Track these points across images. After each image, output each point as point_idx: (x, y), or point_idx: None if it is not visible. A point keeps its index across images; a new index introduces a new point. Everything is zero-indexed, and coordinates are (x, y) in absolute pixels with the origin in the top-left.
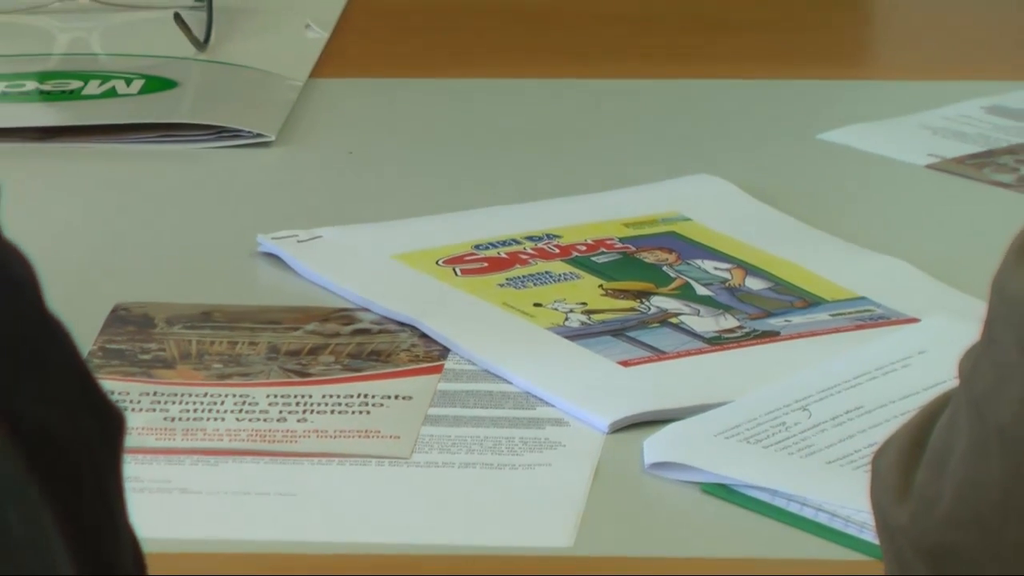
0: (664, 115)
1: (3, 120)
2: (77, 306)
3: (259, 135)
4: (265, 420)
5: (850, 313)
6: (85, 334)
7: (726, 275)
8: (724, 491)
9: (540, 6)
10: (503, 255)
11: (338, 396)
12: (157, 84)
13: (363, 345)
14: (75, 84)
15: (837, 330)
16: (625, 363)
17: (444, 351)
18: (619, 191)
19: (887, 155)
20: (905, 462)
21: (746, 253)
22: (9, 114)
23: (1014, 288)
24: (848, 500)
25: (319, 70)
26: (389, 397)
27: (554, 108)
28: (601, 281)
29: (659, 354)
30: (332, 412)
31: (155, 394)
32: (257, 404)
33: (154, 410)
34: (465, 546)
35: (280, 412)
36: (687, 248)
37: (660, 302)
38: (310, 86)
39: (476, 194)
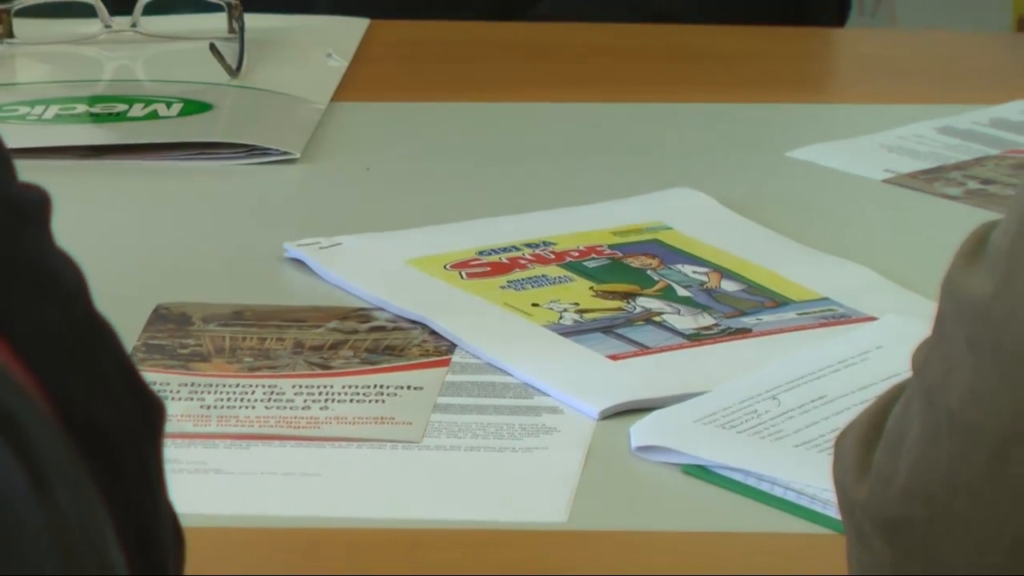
0: (649, 135)
1: (56, 139)
2: (122, 306)
3: (285, 153)
4: (291, 408)
5: (815, 312)
6: (129, 331)
7: (704, 278)
8: (703, 472)
9: (538, 38)
10: (504, 260)
11: (356, 387)
12: (194, 107)
13: (379, 341)
14: (121, 107)
15: (803, 327)
16: (613, 357)
17: (451, 346)
18: (608, 203)
19: (848, 171)
20: (864, 445)
21: (722, 258)
22: (62, 134)
23: (962, 289)
24: (813, 480)
25: (339, 95)
26: (402, 388)
27: (550, 129)
28: (592, 284)
29: (644, 349)
30: (351, 401)
31: (192, 385)
32: (284, 394)
33: (191, 399)
34: (469, 521)
35: (304, 401)
36: (669, 254)
37: (644, 302)
38: (331, 109)
39: (480, 205)
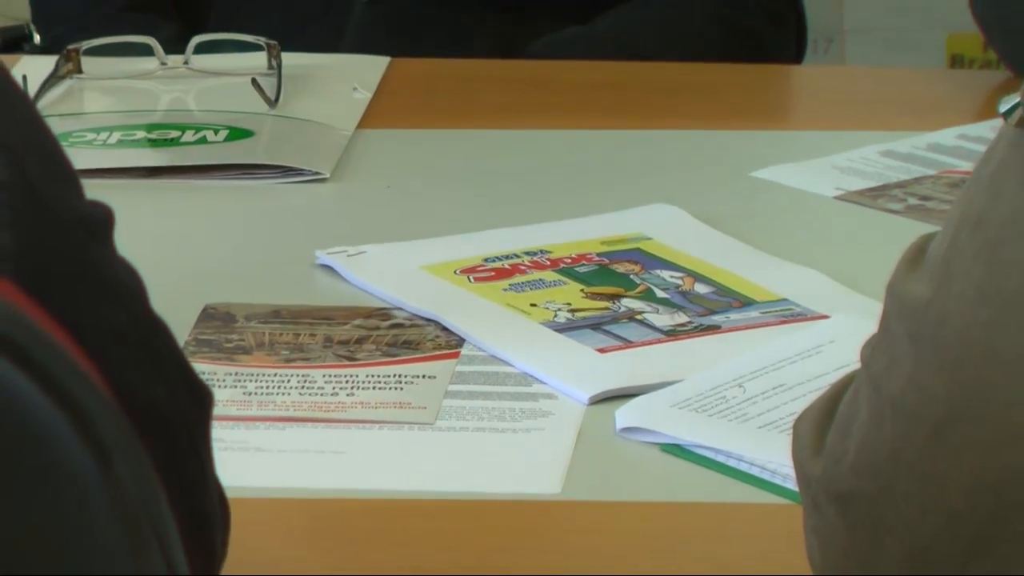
0: (631, 158)
1: (118, 161)
2: (175, 306)
3: (316, 173)
4: (321, 395)
5: (775, 311)
6: (181, 329)
7: (679, 282)
8: (678, 450)
9: (534, 75)
10: (506, 266)
11: (378, 376)
12: (238, 134)
13: (397, 336)
14: (174, 133)
15: (765, 325)
16: (601, 350)
17: (460, 341)
18: (596, 216)
19: (804, 189)
20: (818, 427)
21: (695, 265)
22: (123, 157)
23: (903, 291)
24: (774, 457)
25: (363, 123)
26: (418, 377)
27: (545, 152)
28: (582, 286)
29: (628, 343)
30: (374, 388)
31: (236, 374)
32: (315, 382)
33: (235, 387)
34: (476, 492)
35: (333, 388)
36: (649, 261)
37: (628, 303)
38: (356, 135)
39: (485, 219)
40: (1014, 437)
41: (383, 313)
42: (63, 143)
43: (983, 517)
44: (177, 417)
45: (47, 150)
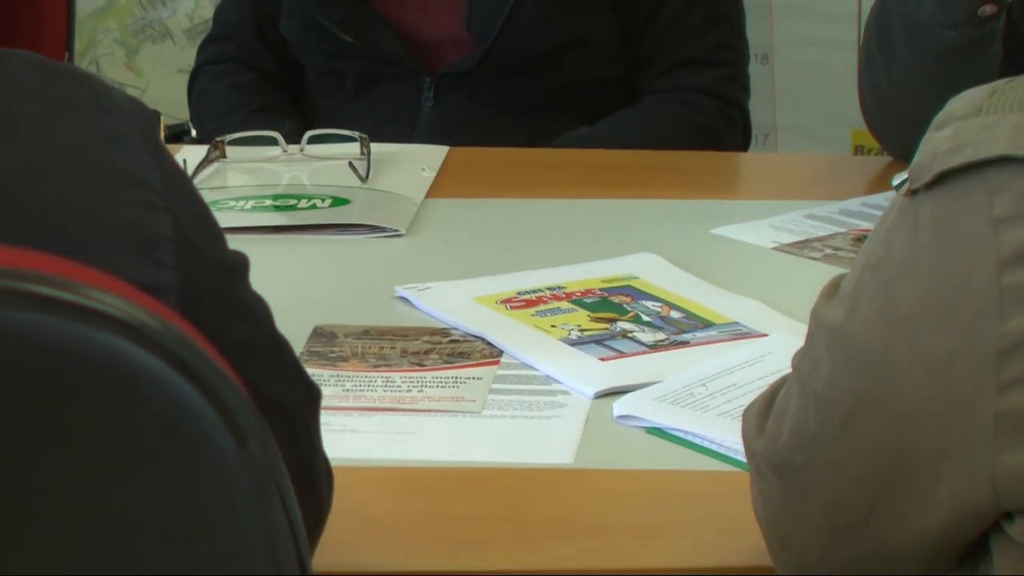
0: (624, 219)
1: (252, 221)
2: (293, 327)
3: (395, 230)
4: (399, 391)
5: (728, 331)
6: (298, 343)
7: (659, 310)
8: (660, 432)
9: (554, 159)
10: (533, 298)
11: (440, 377)
12: (339, 201)
13: (455, 348)
14: (293, 201)
15: (721, 341)
16: (603, 359)
17: (500, 352)
18: (597, 262)
19: (749, 242)
20: (761, 415)
21: (670, 297)
22: (255, 218)
23: (823, 316)
24: (729, 437)
25: (429, 194)
26: (470, 378)
27: (562, 214)
28: (588, 313)
29: (621, 354)
30: (437, 386)
31: (338, 376)
32: (394, 382)
33: (337, 385)
34: (511, 462)
35: (408, 387)
36: (637, 294)
37: (622, 325)
38: (424, 203)
39: (518, 263)
40: (902, 422)
41: (444, 332)
42: (212, 208)
43: (880, 481)
44: (294, 407)
45: (200, 213)
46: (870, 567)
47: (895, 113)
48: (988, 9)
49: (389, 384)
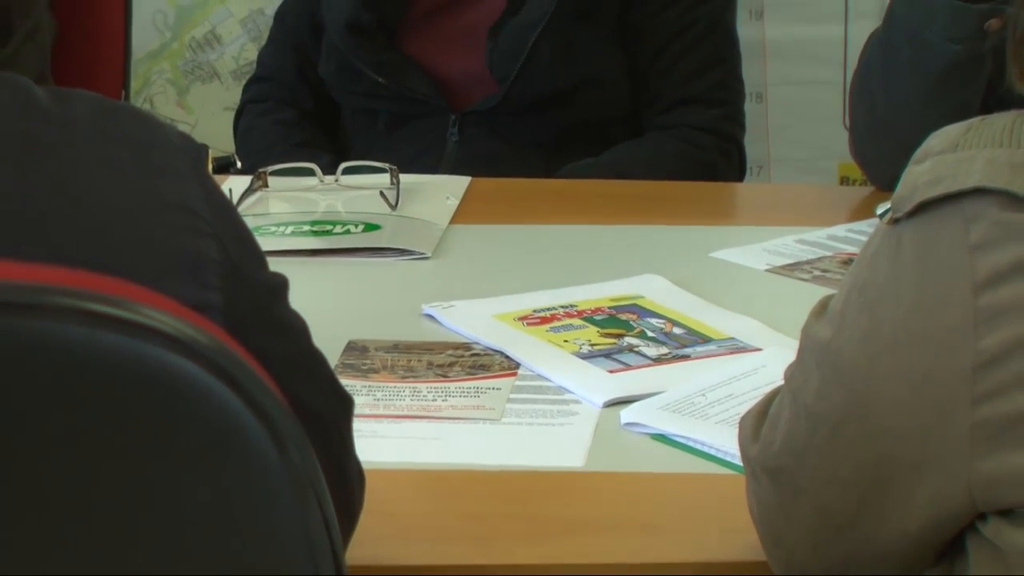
0: (630, 243)
1: (291, 245)
2: (328, 341)
3: (422, 253)
4: (425, 400)
5: (726, 346)
6: (332, 356)
7: (663, 326)
8: (663, 438)
9: (566, 189)
10: (548, 315)
11: (463, 388)
12: (371, 227)
13: (476, 361)
14: (328, 227)
15: (719, 355)
16: (611, 371)
17: (517, 365)
18: (606, 282)
19: (745, 264)
20: (756, 423)
21: (673, 315)
22: (294, 243)
23: (813, 333)
24: (727, 443)
25: (453, 220)
26: (490, 388)
27: (573, 239)
28: (598, 329)
29: (628, 367)
30: (460, 396)
31: (369, 387)
32: (421, 392)
33: (368, 395)
34: (527, 465)
35: (434, 396)
36: (643, 312)
37: (629, 340)
38: (449, 229)
39: (534, 283)
40: (886, 432)
41: (466, 346)
42: (255, 233)
43: (866, 485)
44: (330, 416)
45: (244, 238)
46: (856, 564)
47: (886, 137)
48: (995, 23)
49: (416, 394)
